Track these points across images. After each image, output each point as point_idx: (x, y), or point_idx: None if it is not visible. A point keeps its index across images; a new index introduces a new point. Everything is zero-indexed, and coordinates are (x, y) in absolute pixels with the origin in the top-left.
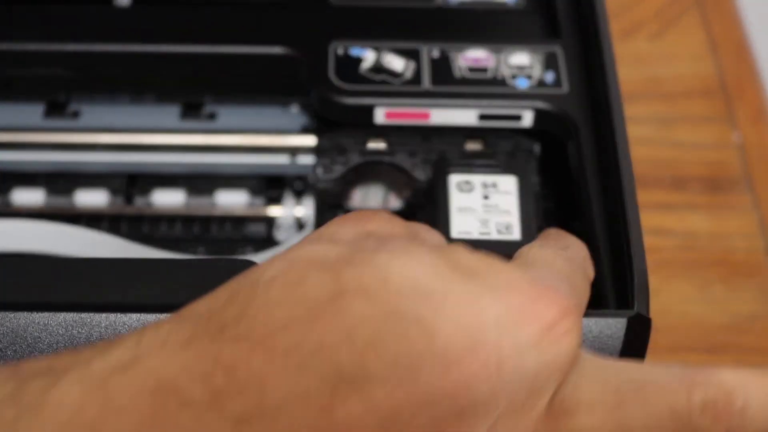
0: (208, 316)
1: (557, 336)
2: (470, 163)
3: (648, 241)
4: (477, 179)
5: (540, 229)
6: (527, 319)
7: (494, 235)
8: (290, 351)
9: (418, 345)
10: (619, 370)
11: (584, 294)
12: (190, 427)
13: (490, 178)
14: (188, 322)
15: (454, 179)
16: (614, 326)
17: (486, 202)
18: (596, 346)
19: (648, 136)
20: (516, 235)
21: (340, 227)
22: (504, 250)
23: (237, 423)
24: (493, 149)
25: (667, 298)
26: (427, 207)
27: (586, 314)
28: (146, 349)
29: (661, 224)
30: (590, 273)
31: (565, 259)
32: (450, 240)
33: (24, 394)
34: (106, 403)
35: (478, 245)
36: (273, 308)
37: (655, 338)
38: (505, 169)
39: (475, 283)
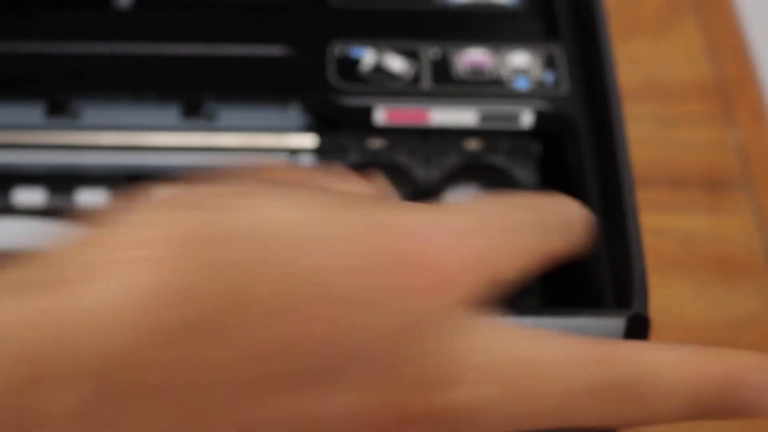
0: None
1: (431, 292)
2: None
3: (647, 241)
4: None
5: None
6: (400, 274)
7: None
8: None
9: (273, 294)
10: (522, 343)
11: (512, 256)
12: None
13: None
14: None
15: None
16: (613, 326)
17: None
18: None
19: (647, 136)
20: None
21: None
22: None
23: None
24: (492, 149)
25: (666, 298)
26: None
27: (585, 314)
28: None
29: (660, 224)
30: (560, 236)
31: (513, 213)
32: None
33: None
34: None
35: None
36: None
37: (654, 338)
38: None
39: (360, 223)
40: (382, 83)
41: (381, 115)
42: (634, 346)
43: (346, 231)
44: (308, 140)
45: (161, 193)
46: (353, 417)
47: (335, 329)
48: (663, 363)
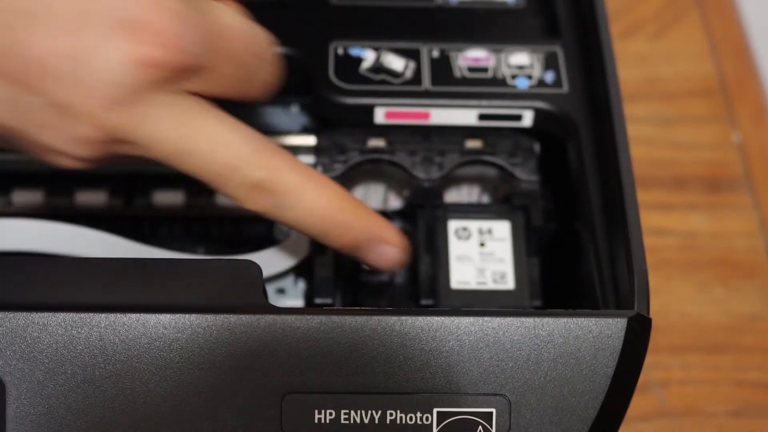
0: None
1: (143, 58)
2: (467, 209)
3: (648, 241)
4: (473, 225)
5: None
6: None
7: (490, 285)
8: None
9: (30, 2)
10: (220, 123)
11: (219, 52)
12: None
13: (485, 224)
14: None
15: (453, 226)
16: (614, 326)
17: (482, 250)
18: (596, 346)
19: (648, 136)
20: (510, 284)
21: None
22: (499, 300)
23: None
24: (492, 148)
25: (667, 298)
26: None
27: (586, 314)
28: None
29: (661, 224)
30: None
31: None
32: (449, 292)
33: None
34: None
35: (476, 295)
36: None
37: (655, 338)
38: (499, 215)
39: None
40: (383, 82)
41: (381, 115)
42: (308, 182)
43: None
44: (308, 140)
45: None
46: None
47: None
48: (310, 197)
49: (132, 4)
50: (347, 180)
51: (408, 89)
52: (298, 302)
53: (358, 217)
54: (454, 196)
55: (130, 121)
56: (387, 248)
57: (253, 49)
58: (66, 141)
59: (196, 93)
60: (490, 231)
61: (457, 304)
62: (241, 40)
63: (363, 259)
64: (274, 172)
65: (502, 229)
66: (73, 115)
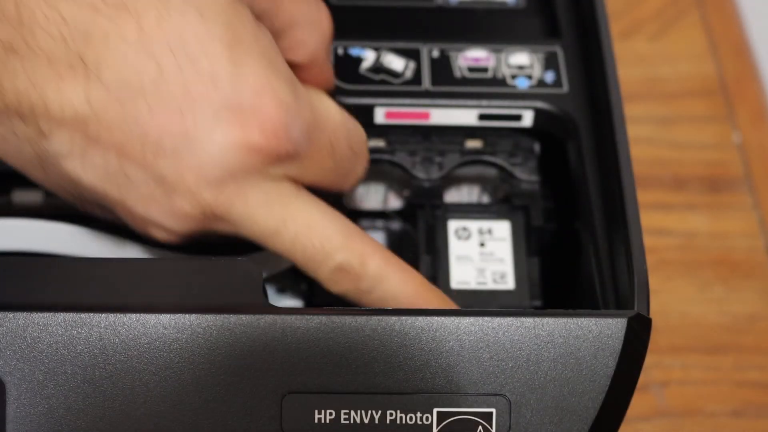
0: None
1: (252, 143)
2: (467, 209)
3: (648, 241)
4: (473, 225)
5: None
6: (242, 118)
7: (490, 285)
8: (58, 20)
9: (141, 81)
10: (311, 207)
11: (317, 144)
12: None
13: (485, 224)
14: None
15: (453, 226)
16: (614, 326)
17: (482, 250)
18: (596, 346)
19: (648, 136)
20: (510, 284)
21: None
22: (499, 300)
23: (2, 48)
24: (492, 148)
25: (667, 298)
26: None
27: (586, 314)
28: None
29: (661, 224)
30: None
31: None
32: (449, 292)
33: None
34: None
35: (476, 295)
36: None
37: (655, 338)
38: (499, 215)
39: (234, 59)
40: (383, 82)
41: (381, 114)
42: (392, 269)
43: None
44: None
45: None
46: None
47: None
48: (394, 283)
49: (239, 89)
50: None
51: (408, 89)
52: (298, 302)
53: (438, 304)
54: (454, 196)
55: (228, 201)
56: None
57: (350, 142)
58: (165, 215)
59: (292, 178)
60: (490, 231)
61: (457, 304)
62: (341, 135)
63: None
64: (361, 257)
65: (502, 229)
66: (175, 190)
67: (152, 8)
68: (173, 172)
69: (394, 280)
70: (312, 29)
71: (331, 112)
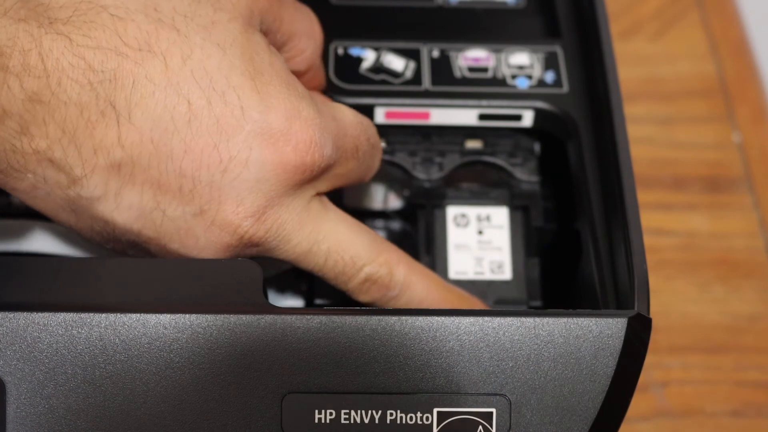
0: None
1: (289, 160)
2: (466, 195)
3: (648, 241)
4: (472, 212)
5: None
6: (277, 142)
7: (487, 275)
8: (84, 67)
9: (173, 121)
10: (339, 223)
11: (344, 150)
12: None
13: (483, 211)
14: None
15: (451, 212)
16: (614, 326)
17: (480, 238)
18: (596, 346)
19: (648, 136)
20: (507, 274)
21: None
22: (496, 290)
23: (28, 100)
24: (492, 148)
25: (667, 298)
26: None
27: (586, 314)
28: None
29: (661, 224)
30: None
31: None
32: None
33: None
34: None
35: (473, 285)
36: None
37: (655, 338)
38: (497, 201)
39: (257, 90)
40: (383, 82)
41: (381, 114)
42: (417, 276)
43: None
44: None
45: None
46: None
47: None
48: (419, 289)
49: (268, 116)
50: None
51: (408, 89)
52: (298, 302)
53: (461, 305)
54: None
55: (266, 228)
56: None
57: (368, 139)
58: (202, 247)
59: (319, 193)
60: (488, 218)
61: None
62: (360, 134)
63: None
64: (388, 266)
65: (500, 215)
66: (214, 222)
67: (176, 47)
68: (212, 205)
69: (419, 286)
70: (308, 38)
71: (347, 115)
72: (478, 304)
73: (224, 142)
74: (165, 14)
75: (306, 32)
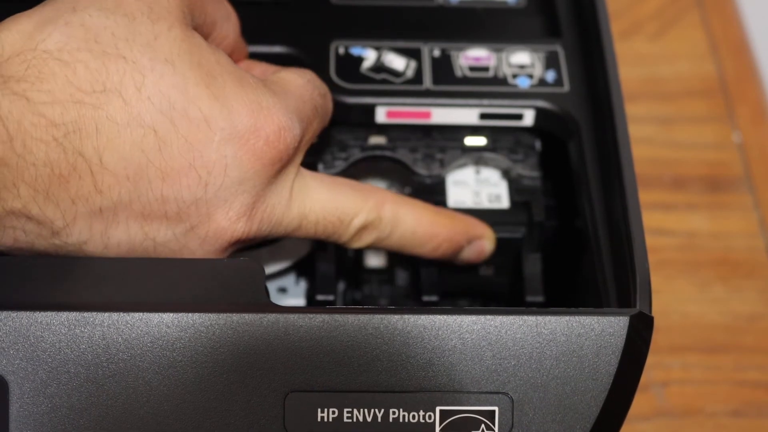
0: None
1: (259, 145)
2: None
3: (648, 241)
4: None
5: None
6: (247, 139)
7: (485, 204)
8: (46, 125)
9: (145, 153)
10: (320, 189)
11: (307, 117)
12: None
13: (482, 169)
14: None
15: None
16: (616, 325)
17: (478, 177)
18: (598, 344)
19: (648, 136)
20: (504, 203)
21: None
22: (494, 217)
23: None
24: (493, 147)
25: (668, 298)
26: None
27: (588, 313)
28: None
29: (661, 224)
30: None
31: (305, 86)
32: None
33: None
34: None
35: (472, 213)
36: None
37: (656, 338)
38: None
39: (214, 95)
40: (384, 82)
41: (383, 114)
42: (404, 208)
43: None
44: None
45: None
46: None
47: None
48: (409, 221)
49: (232, 119)
50: (348, 177)
51: (409, 89)
52: (300, 300)
53: (453, 224)
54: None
55: (259, 221)
56: (480, 243)
57: (319, 94)
58: (200, 258)
59: (300, 162)
60: (485, 162)
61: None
62: (312, 92)
63: (464, 260)
64: (375, 210)
65: (497, 159)
66: (208, 234)
67: (128, 77)
68: (202, 220)
69: (408, 218)
70: (227, 22)
71: (294, 80)
72: (471, 222)
73: (199, 159)
74: (107, 44)
75: (223, 16)
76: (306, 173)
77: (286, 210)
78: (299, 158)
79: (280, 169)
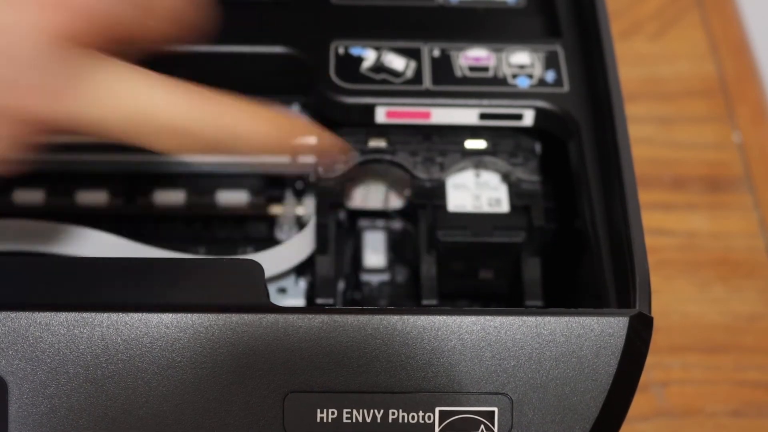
0: None
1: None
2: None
3: (648, 241)
4: (469, 173)
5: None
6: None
7: (485, 208)
8: None
9: None
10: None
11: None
12: None
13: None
14: None
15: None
16: (616, 325)
17: (478, 180)
18: (598, 344)
19: (648, 136)
20: (504, 207)
21: None
22: (494, 221)
23: None
24: (493, 147)
25: (667, 298)
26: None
27: (588, 313)
28: None
29: (661, 224)
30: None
31: None
32: (446, 215)
33: None
34: None
35: (472, 217)
36: None
37: (655, 338)
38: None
39: None
40: (384, 82)
41: (382, 114)
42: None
43: None
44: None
45: None
46: None
47: None
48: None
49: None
50: (348, 180)
51: (409, 89)
52: (300, 302)
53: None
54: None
55: (75, 105)
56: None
57: None
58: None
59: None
60: (486, 165)
61: (454, 225)
62: None
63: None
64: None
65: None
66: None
67: None
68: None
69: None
70: None
71: None
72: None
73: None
74: None
75: None
76: (122, 64)
77: (105, 100)
78: (102, 33)
79: (79, 35)
